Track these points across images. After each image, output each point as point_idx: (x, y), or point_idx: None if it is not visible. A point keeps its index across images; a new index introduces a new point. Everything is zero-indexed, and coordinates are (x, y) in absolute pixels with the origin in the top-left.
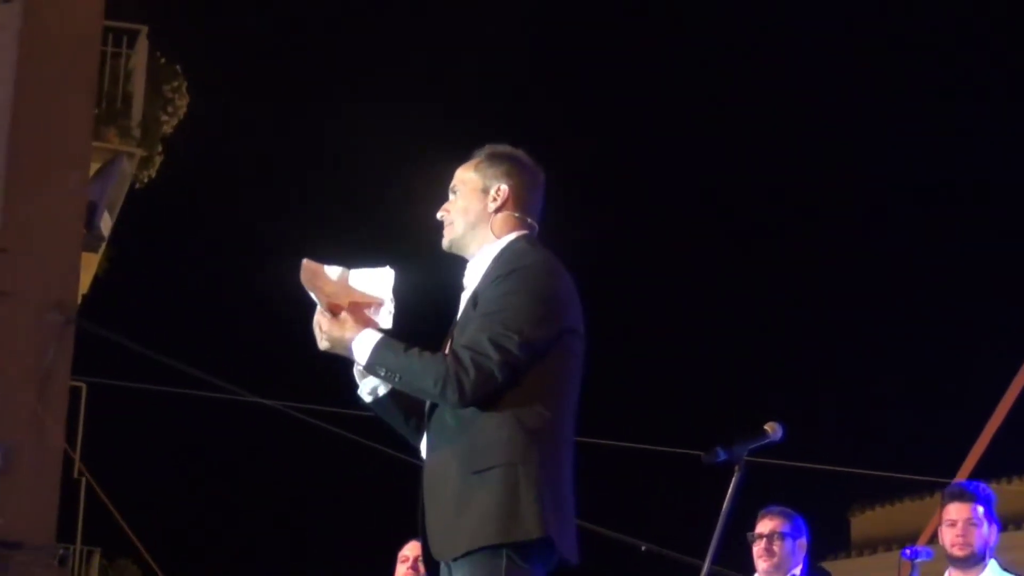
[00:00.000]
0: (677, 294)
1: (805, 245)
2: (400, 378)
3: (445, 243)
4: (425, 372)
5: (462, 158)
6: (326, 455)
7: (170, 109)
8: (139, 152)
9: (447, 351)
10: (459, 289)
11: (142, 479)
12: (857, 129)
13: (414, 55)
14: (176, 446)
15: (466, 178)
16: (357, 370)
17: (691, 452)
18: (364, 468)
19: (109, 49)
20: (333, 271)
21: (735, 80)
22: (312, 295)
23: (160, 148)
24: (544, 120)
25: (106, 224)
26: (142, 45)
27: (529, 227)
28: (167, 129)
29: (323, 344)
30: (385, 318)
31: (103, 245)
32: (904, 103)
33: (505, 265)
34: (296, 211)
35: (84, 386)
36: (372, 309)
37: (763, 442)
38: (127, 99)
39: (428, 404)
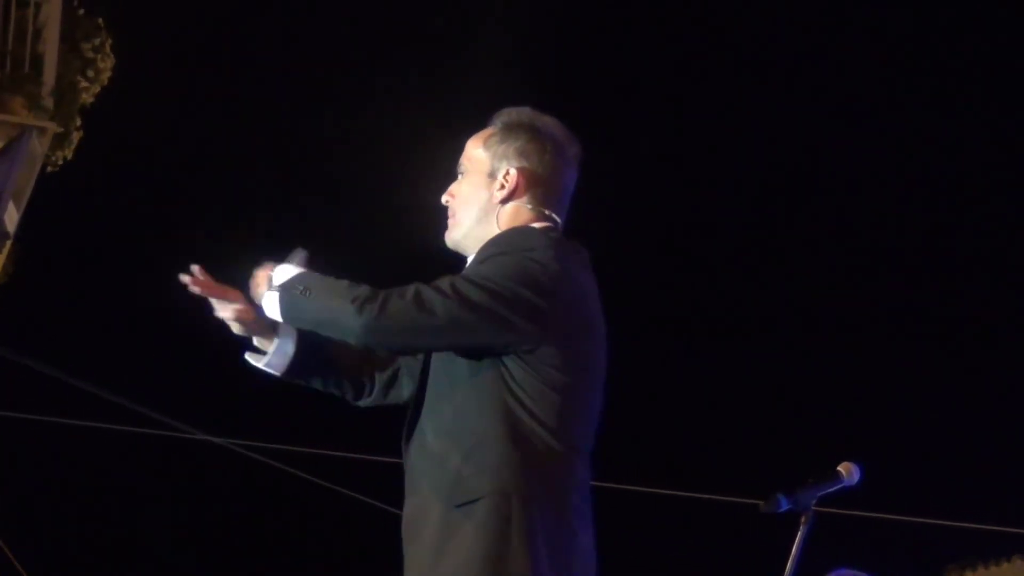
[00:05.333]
0: (728, 312)
1: (891, 248)
2: (310, 292)
3: (448, 240)
4: (346, 289)
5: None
6: (287, 501)
7: (90, 73)
8: (52, 127)
9: None
10: None
11: (54, 534)
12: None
13: (399, 20)
14: (97, 493)
15: (473, 156)
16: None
17: (748, 501)
18: (329, 514)
19: None
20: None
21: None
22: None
23: (78, 122)
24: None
25: (11, 217)
26: None
27: (548, 220)
28: (87, 99)
29: (255, 292)
30: None
31: (7, 243)
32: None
33: (484, 250)
34: (245, 201)
35: None
36: None
37: (835, 487)
38: (37, 61)
39: (407, 422)
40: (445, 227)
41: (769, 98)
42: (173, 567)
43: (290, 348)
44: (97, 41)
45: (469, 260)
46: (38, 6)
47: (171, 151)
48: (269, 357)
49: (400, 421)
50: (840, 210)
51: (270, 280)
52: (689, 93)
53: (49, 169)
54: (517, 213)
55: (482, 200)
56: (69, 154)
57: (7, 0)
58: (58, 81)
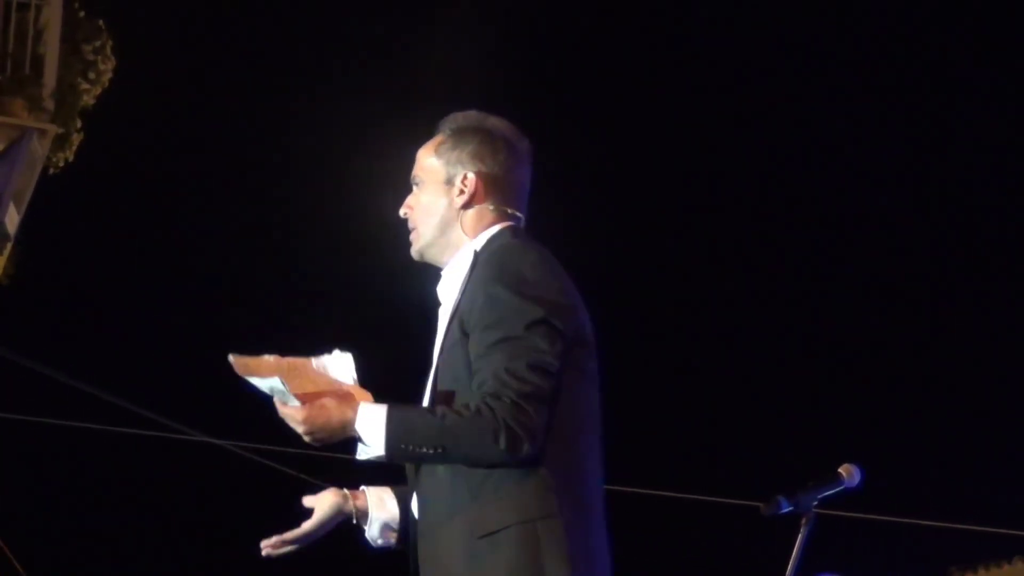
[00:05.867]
0: (729, 313)
1: (891, 249)
2: (443, 450)
3: (414, 253)
4: (478, 431)
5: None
6: (289, 503)
7: (91, 75)
8: (53, 129)
9: (477, 392)
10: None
11: (54, 535)
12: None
13: (393, 24)
14: (97, 495)
15: (427, 165)
16: (372, 510)
17: (749, 503)
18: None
19: None
20: (270, 361)
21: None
22: (260, 384)
23: (79, 124)
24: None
25: (11, 219)
26: None
27: (511, 219)
28: (87, 100)
29: (308, 437)
30: None
31: (8, 245)
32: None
33: (489, 267)
34: (245, 204)
35: None
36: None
37: (836, 489)
38: (37, 62)
39: None
40: (407, 241)
41: (765, 92)
42: (173, 569)
43: (395, 515)
44: (98, 43)
45: (444, 268)
46: (39, 8)
47: (172, 153)
48: (380, 539)
49: None
50: (841, 210)
51: (354, 431)
52: (680, 88)
53: (51, 171)
54: (480, 216)
55: (442, 208)
56: (70, 156)
57: (8, 2)
58: (59, 83)
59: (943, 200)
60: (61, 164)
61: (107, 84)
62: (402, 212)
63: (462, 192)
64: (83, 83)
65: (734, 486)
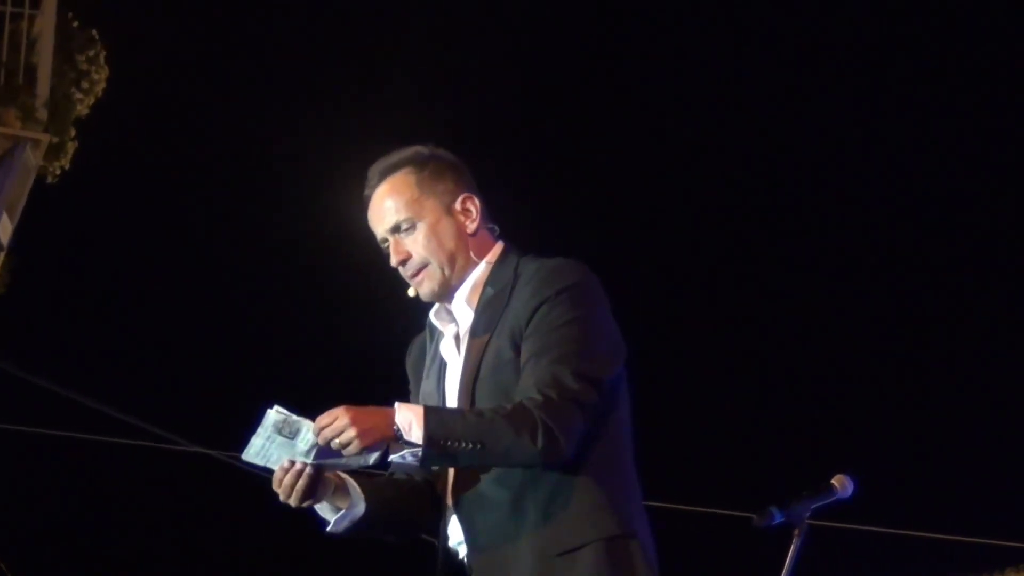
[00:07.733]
0: (720, 321)
1: (887, 256)
2: (482, 445)
3: (430, 292)
4: (515, 428)
5: None
6: (287, 514)
7: (85, 85)
8: (46, 138)
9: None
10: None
11: (49, 546)
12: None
13: (389, 31)
14: (92, 506)
15: (416, 203)
16: (326, 506)
17: (741, 514)
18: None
19: (8, 8)
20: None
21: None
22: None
23: (73, 133)
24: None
25: (5, 229)
26: (49, 4)
27: (499, 236)
28: (81, 110)
29: (357, 440)
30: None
31: (1, 254)
32: None
33: (543, 282)
34: (241, 212)
35: None
36: None
37: (829, 500)
38: (31, 72)
39: (452, 477)
40: (404, 288)
41: (765, 95)
42: None
43: (359, 511)
44: (91, 52)
45: (456, 294)
46: (32, 18)
47: (166, 162)
48: (342, 524)
49: None
50: (835, 216)
51: (396, 432)
52: (678, 90)
53: (48, 180)
54: (485, 237)
55: (455, 237)
56: (66, 164)
57: (0, 12)
58: (52, 93)
59: (939, 211)
60: (57, 173)
61: (101, 94)
62: (399, 259)
63: (468, 215)
64: (77, 93)
65: (726, 497)
